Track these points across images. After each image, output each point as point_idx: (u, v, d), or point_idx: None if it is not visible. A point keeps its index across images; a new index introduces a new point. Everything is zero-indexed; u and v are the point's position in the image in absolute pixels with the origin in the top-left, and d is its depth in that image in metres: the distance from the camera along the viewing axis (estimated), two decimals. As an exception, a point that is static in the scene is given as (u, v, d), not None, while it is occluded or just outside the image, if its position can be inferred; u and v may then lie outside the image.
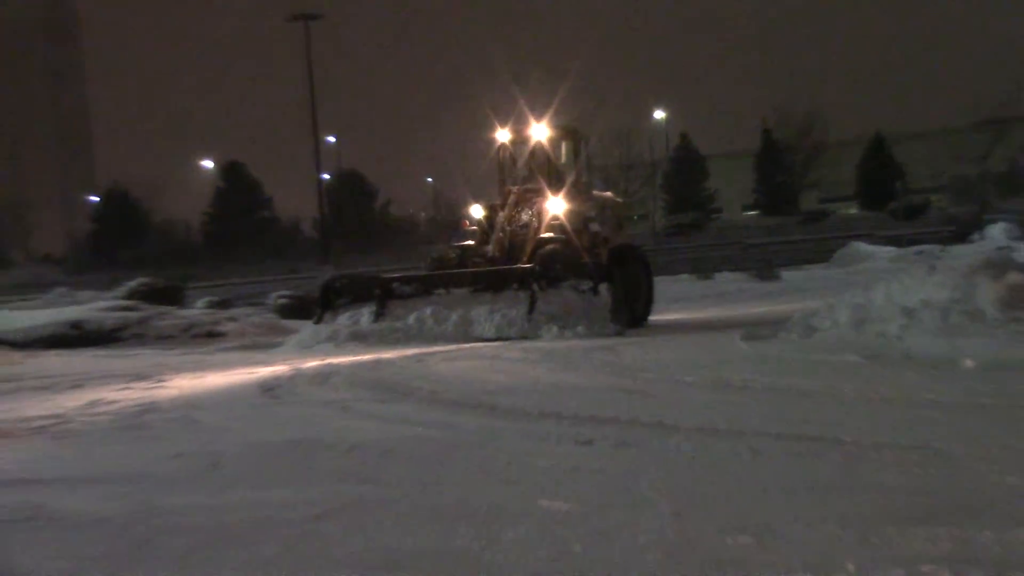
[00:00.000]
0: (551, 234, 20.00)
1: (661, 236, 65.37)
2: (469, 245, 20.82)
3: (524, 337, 16.78)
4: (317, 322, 19.09)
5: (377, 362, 13.15)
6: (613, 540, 4.28)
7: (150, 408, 9.34)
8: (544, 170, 21.52)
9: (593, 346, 14.07)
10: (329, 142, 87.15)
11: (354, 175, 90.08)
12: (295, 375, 11.91)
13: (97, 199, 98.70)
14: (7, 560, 4.29)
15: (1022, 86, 68.18)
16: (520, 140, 21.87)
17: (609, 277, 19.06)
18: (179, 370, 13.49)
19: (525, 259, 19.51)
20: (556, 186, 20.82)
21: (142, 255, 71.55)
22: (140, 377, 12.59)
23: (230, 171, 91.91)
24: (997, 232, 40.00)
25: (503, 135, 21.64)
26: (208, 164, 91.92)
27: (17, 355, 18.22)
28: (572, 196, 20.67)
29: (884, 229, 53.21)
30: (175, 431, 7.92)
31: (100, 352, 18.88)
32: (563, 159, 22.08)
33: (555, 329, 16.97)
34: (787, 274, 36.33)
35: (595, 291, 18.23)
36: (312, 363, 13.39)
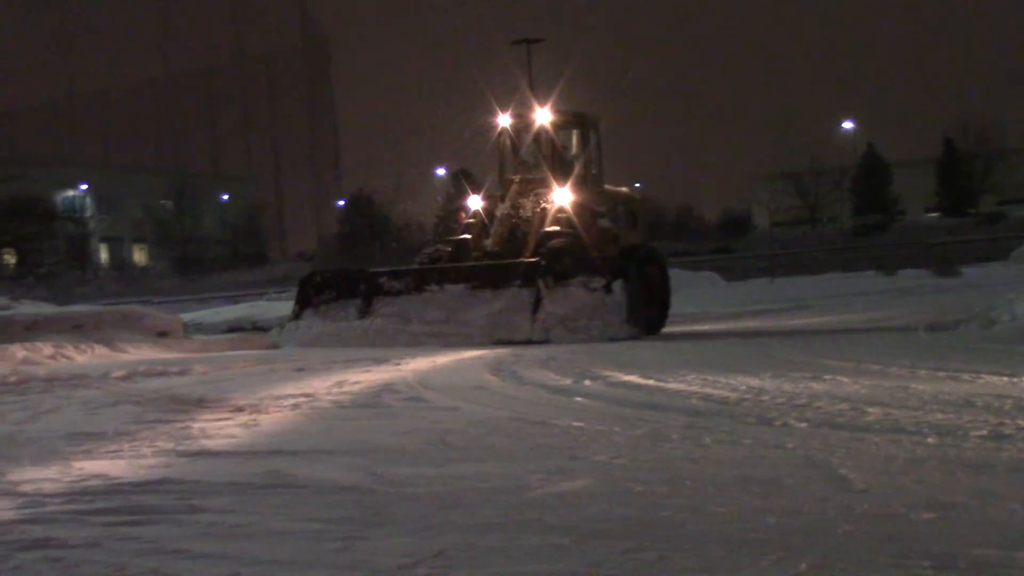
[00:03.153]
0: (557, 227, 17.22)
1: (848, 236, 64.14)
2: (466, 239, 18.10)
3: (529, 341, 14.56)
4: (295, 319, 16.92)
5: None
6: (806, 513, 4.19)
7: (387, 389, 9.56)
8: (549, 159, 18.54)
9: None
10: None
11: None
12: (518, 359, 12.02)
13: (343, 203, 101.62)
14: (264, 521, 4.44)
15: None
16: (523, 125, 18.83)
17: (624, 274, 15.93)
18: (415, 355, 13.76)
19: (528, 254, 16.85)
20: (563, 176, 17.97)
21: (387, 252, 73.31)
22: (380, 361, 12.90)
23: (456, 177, 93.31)
24: None
25: (504, 119, 18.80)
26: (440, 171, 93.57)
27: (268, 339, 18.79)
28: (580, 188, 17.96)
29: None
30: (407, 409, 8.09)
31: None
32: (574, 148, 19.03)
33: (565, 331, 14.62)
34: (966, 271, 35.20)
35: (608, 289, 15.37)
36: (539, 349, 13.47)
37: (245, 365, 12.73)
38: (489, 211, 18.12)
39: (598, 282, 15.34)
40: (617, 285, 15.38)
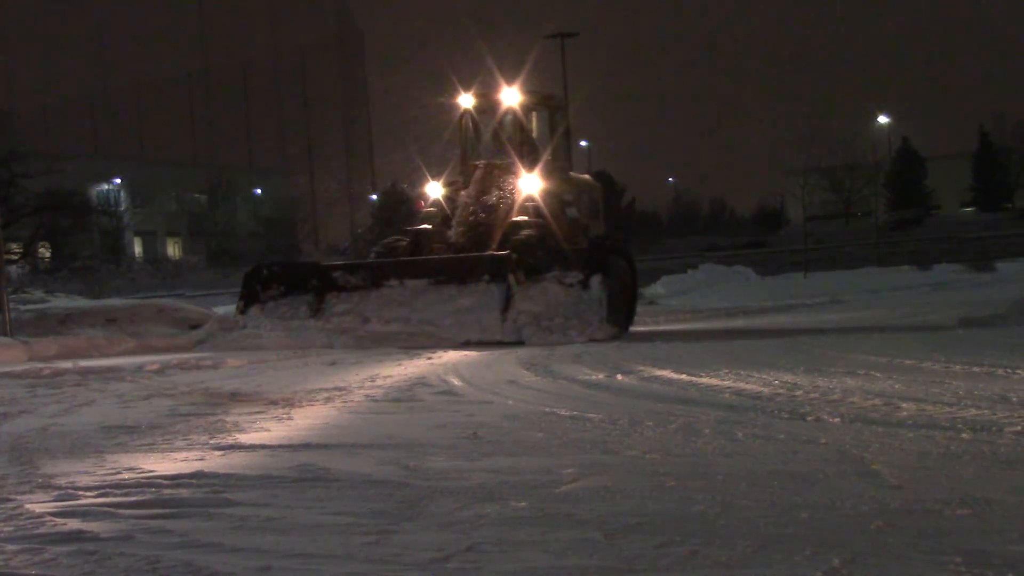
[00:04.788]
0: (525, 217, 15.90)
1: (882, 230, 63.77)
2: (426, 230, 16.65)
3: (500, 342, 13.45)
4: (240, 314, 15.57)
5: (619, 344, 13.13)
6: (839, 508, 4.18)
7: (419, 382, 9.59)
8: (517, 143, 17.02)
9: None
10: (582, 145, 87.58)
11: (603, 175, 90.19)
12: (551, 354, 12.02)
13: (375, 197, 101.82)
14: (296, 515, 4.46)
15: None
16: (487, 106, 17.37)
17: (602, 269, 14.59)
18: (446, 348, 13.74)
19: (495, 246, 15.40)
20: (530, 162, 16.53)
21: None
22: (412, 355, 12.91)
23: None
24: None
25: (466, 100, 17.22)
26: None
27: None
28: (547, 175, 16.53)
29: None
30: (440, 403, 8.11)
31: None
32: (536, 131, 17.58)
33: (539, 331, 13.50)
34: (1002, 265, 34.99)
35: (585, 285, 14.21)
36: (570, 344, 13.46)
37: (278, 359, 12.78)
38: (451, 199, 16.71)
39: (574, 277, 14.27)
40: (595, 280, 14.27)
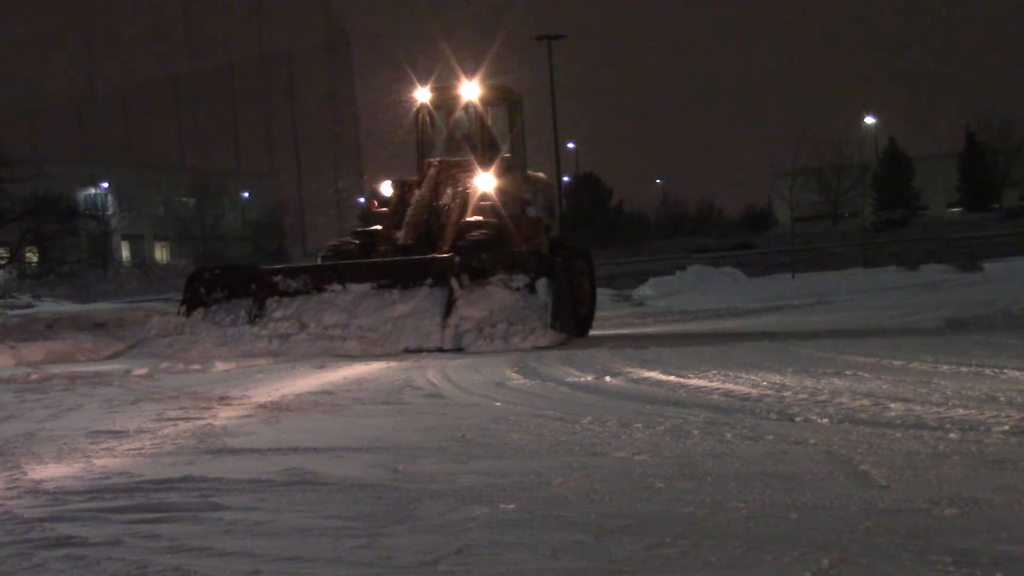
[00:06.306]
0: (479, 217, 15.30)
1: (870, 231, 63.98)
2: (377, 230, 15.90)
3: (440, 350, 13.00)
4: (184, 317, 14.98)
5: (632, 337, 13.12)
6: (828, 508, 4.19)
7: (407, 385, 9.58)
8: (477, 139, 16.41)
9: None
10: (568, 147, 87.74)
11: (591, 177, 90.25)
12: (540, 355, 12.02)
13: (363, 200, 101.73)
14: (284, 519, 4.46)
15: None
16: (445, 101, 16.72)
17: (550, 272, 13.99)
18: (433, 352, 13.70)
19: (445, 247, 14.92)
20: (488, 160, 15.93)
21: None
22: (400, 358, 12.89)
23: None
24: None
25: (423, 94, 16.60)
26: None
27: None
28: (505, 173, 15.94)
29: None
30: (428, 406, 8.10)
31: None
32: (494, 127, 16.96)
33: (480, 338, 12.97)
34: (989, 266, 35.13)
35: (532, 288, 13.64)
36: (556, 346, 13.46)
37: (266, 362, 12.75)
38: (404, 198, 15.83)
39: (520, 281, 13.63)
40: (541, 284, 13.66)
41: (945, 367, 8.80)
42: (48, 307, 30.08)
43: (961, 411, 6.37)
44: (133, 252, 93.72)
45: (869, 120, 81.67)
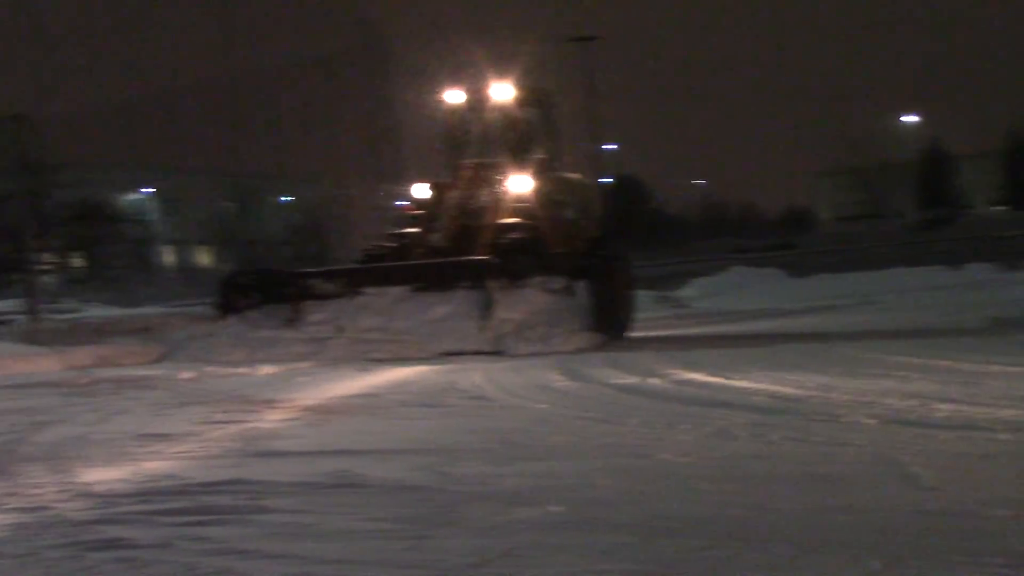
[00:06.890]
0: (515, 220, 14.99)
1: (913, 230, 63.45)
2: (412, 233, 15.69)
3: (479, 352, 12.81)
4: (220, 322, 14.85)
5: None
6: (877, 510, 4.15)
7: (451, 387, 9.59)
8: (511, 141, 16.32)
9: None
10: (609, 148, 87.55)
11: (631, 179, 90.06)
12: (583, 358, 12.00)
13: (399, 203, 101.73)
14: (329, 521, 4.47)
15: None
16: (477, 102, 16.49)
17: (588, 274, 14.14)
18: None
19: (481, 250, 14.56)
20: (523, 161, 15.76)
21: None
22: (444, 360, 12.89)
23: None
24: None
25: (456, 96, 16.46)
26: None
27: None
28: (541, 174, 15.69)
29: None
30: (472, 408, 8.11)
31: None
32: (532, 129, 16.74)
33: (520, 341, 12.84)
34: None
35: (570, 290, 13.67)
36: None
37: (308, 366, 12.78)
38: (438, 201, 15.65)
39: (559, 283, 13.55)
40: (579, 286, 13.79)
41: (994, 367, 8.71)
42: (94, 312, 30.36)
43: (1011, 412, 6.30)
44: (177, 257, 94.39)
45: (911, 118, 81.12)
